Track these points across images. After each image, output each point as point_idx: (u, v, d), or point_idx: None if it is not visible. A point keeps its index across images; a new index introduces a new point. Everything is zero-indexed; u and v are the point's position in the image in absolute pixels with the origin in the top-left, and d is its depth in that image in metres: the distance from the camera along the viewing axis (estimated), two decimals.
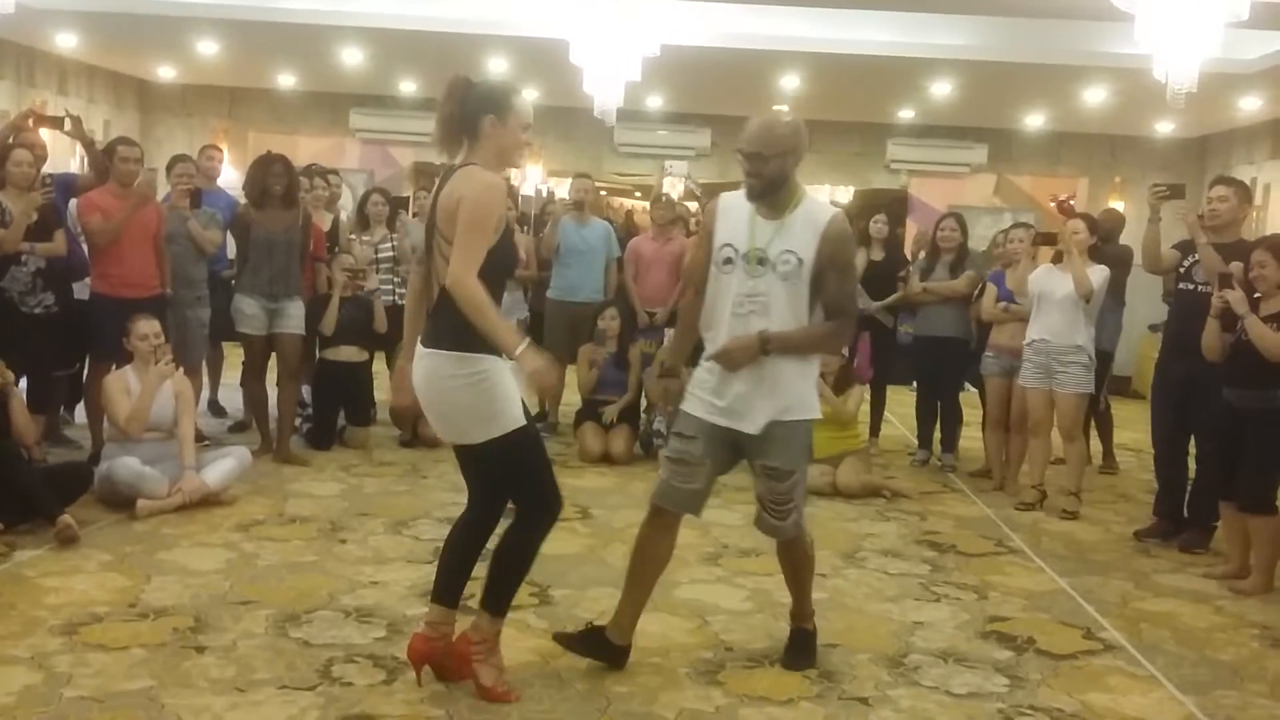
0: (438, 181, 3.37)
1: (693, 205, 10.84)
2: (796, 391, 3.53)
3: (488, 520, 3.47)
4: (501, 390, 3.23)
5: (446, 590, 3.47)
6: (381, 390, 7.70)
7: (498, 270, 3.27)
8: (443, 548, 3.53)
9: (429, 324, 3.32)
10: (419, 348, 3.33)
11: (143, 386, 5.44)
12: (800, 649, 3.86)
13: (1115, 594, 4.88)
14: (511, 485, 3.40)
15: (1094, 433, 7.41)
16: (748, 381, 3.49)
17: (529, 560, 3.44)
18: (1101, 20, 7.44)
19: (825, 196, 12.69)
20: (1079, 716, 3.54)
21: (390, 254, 7.65)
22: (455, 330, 3.19)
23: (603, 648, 3.65)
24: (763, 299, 3.47)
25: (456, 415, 3.29)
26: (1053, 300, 6.17)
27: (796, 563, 3.83)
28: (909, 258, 8.19)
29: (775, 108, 9.46)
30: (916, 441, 7.66)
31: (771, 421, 3.49)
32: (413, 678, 3.49)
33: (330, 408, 7.12)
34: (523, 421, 3.27)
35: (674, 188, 12.52)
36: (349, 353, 7.12)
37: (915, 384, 7.76)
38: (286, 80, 12.31)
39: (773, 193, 3.51)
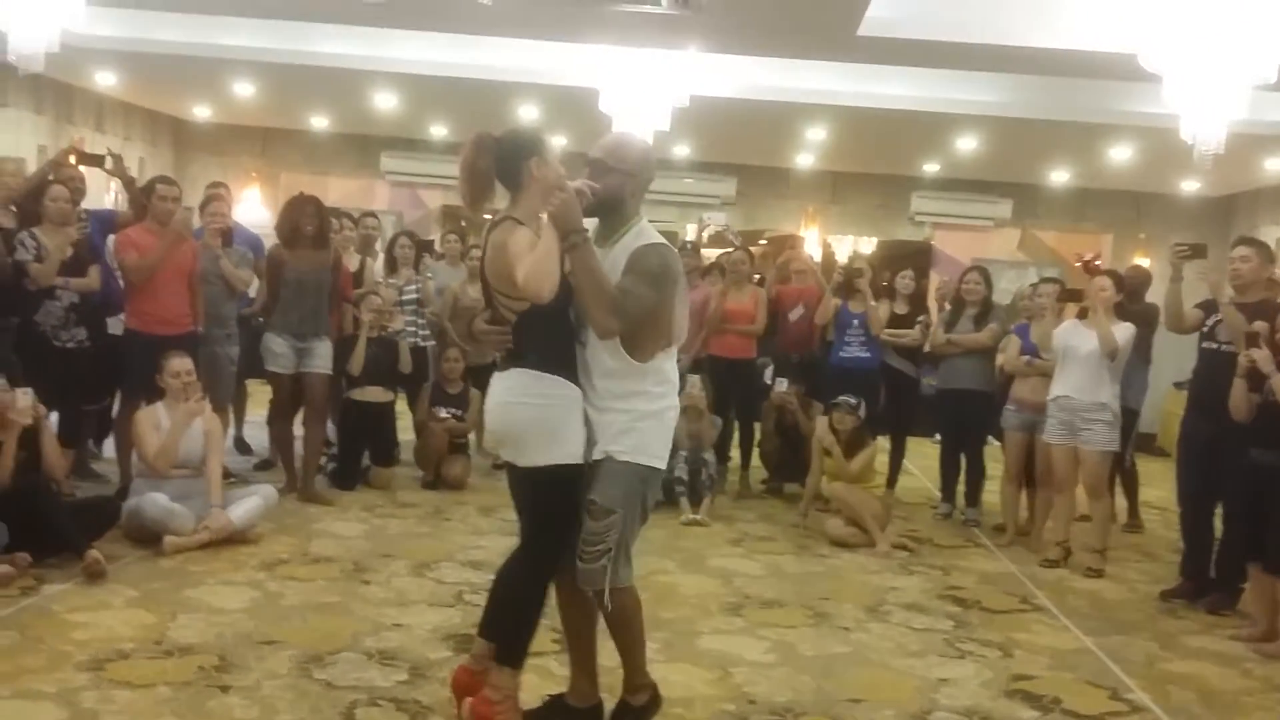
0: (485, 233, 3.42)
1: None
2: (640, 433, 3.27)
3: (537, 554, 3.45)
4: (567, 416, 3.26)
5: (493, 625, 3.48)
6: (405, 431, 7.78)
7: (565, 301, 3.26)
8: (493, 582, 3.54)
9: (507, 355, 3.36)
10: (498, 374, 3.39)
11: (172, 423, 5.50)
12: None
13: (1141, 654, 4.83)
14: (537, 517, 3.39)
15: (1119, 490, 7.38)
16: (590, 416, 3.30)
17: (535, 606, 3.38)
18: (1128, 80, 7.48)
19: (847, 246, 12.77)
20: None
21: (415, 296, 7.72)
22: (537, 353, 3.27)
23: (565, 715, 3.53)
24: (586, 330, 3.30)
25: (522, 429, 3.31)
26: (1077, 356, 6.17)
27: (611, 622, 3.39)
28: (930, 309, 8.20)
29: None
30: (940, 494, 7.63)
31: (606, 455, 3.27)
32: None
33: (356, 447, 7.16)
34: (579, 460, 3.27)
35: (706, 235, 12.62)
36: (374, 393, 7.18)
37: (939, 436, 7.75)
38: (319, 122, 12.48)
39: (605, 211, 3.32)
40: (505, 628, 3.42)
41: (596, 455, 3.28)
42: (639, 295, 3.18)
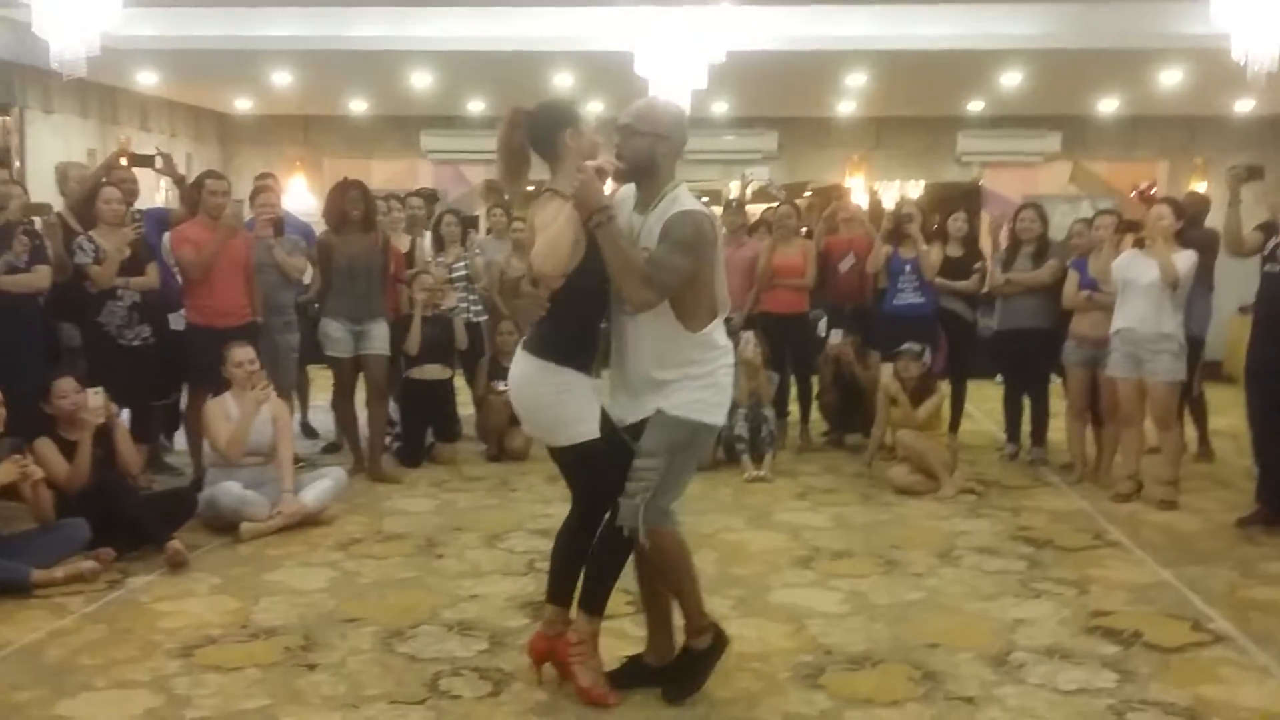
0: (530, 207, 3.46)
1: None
2: (688, 391, 3.31)
3: (587, 522, 3.51)
4: (577, 403, 3.33)
5: (557, 590, 3.57)
6: (465, 406, 7.86)
7: (591, 281, 3.30)
8: (552, 549, 3.63)
9: (533, 332, 3.43)
10: (519, 350, 3.46)
11: (241, 412, 5.60)
12: (680, 674, 3.55)
13: (1222, 584, 4.77)
14: (577, 489, 3.53)
15: (1188, 420, 7.26)
16: (639, 385, 3.39)
17: (616, 560, 3.46)
18: (1175, 1, 7.30)
19: (894, 191, 12.61)
20: (1193, 710, 3.47)
21: (464, 272, 7.76)
22: (549, 341, 3.34)
23: (644, 674, 3.59)
24: None
25: (539, 415, 3.43)
26: (1138, 287, 6.06)
27: (654, 567, 3.48)
28: (984, 251, 8.09)
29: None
30: (1005, 436, 7.57)
31: (658, 410, 3.33)
32: (519, 689, 3.57)
33: (419, 425, 7.25)
34: (595, 435, 3.34)
35: (750, 191, 12.53)
36: (433, 370, 7.25)
37: (1001, 377, 7.67)
38: (358, 106, 12.55)
39: (638, 176, 3.34)
40: (590, 575, 3.50)
41: (647, 412, 3.34)
42: (672, 265, 3.20)
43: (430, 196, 8.54)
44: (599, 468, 3.38)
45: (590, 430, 3.34)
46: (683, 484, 3.44)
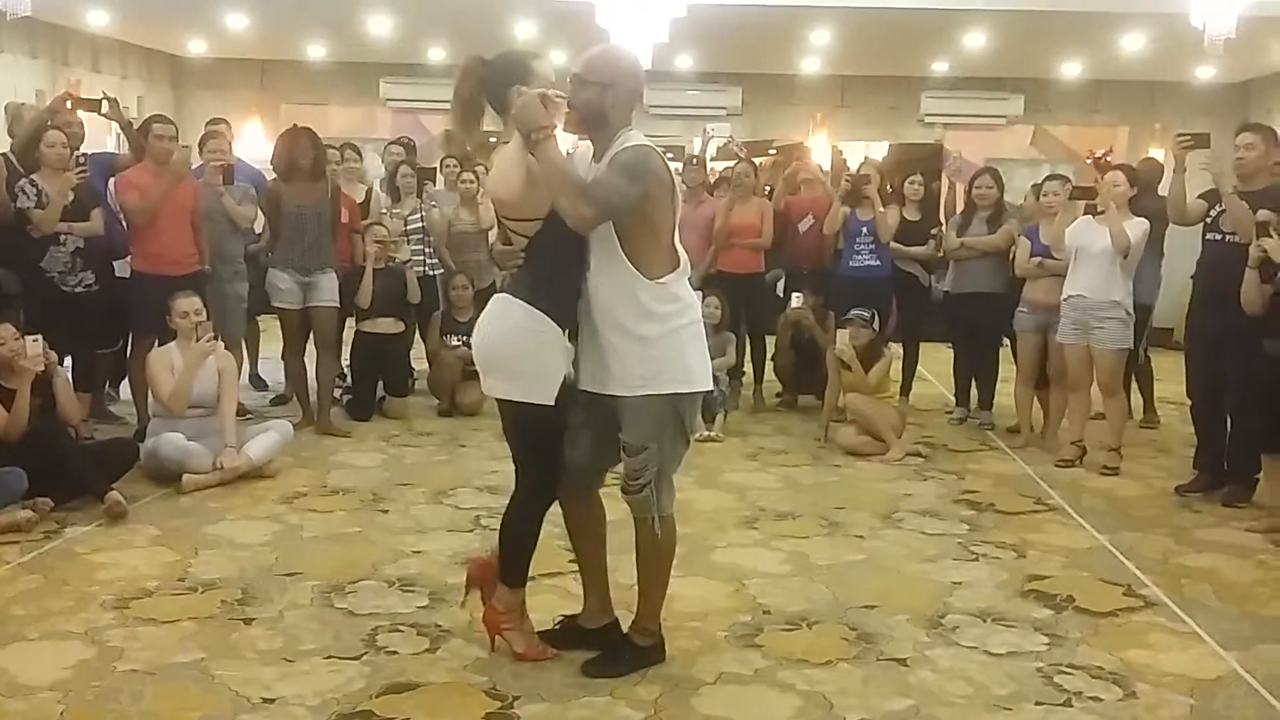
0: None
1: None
2: (654, 361, 3.20)
3: (534, 493, 3.46)
4: (547, 359, 3.24)
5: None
6: (418, 360, 7.81)
7: (569, 232, 3.20)
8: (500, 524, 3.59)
9: (516, 277, 3.33)
10: (498, 296, 3.37)
11: (185, 363, 5.53)
12: (608, 653, 3.47)
13: (1156, 550, 4.85)
14: (517, 452, 3.43)
15: (1135, 386, 7.35)
16: (601, 348, 3.26)
17: (527, 534, 3.44)
18: None
19: (859, 152, 12.59)
20: (1119, 674, 3.53)
21: (419, 225, 7.68)
22: (539, 289, 3.24)
23: (579, 636, 3.57)
24: (590, 253, 3.25)
25: (496, 358, 3.31)
26: (1090, 254, 6.10)
27: (642, 548, 3.40)
28: (941, 219, 8.11)
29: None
30: (953, 399, 7.63)
31: (625, 395, 3.23)
32: (456, 645, 3.58)
33: (369, 379, 7.20)
34: (550, 401, 3.24)
35: (712, 148, 12.45)
36: (385, 324, 7.18)
37: (951, 341, 7.72)
38: (316, 51, 12.34)
39: (589, 126, 3.25)
40: (503, 550, 3.48)
41: (615, 391, 3.23)
42: (613, 184, 3.11)
43: (409, 146, 8.39)
44: (545, 434, 3.31)
45: (548, 393, 3.24)
46: (680, 454, 3.37)
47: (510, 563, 3.47)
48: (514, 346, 3.27)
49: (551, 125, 3.12)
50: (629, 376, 3.22)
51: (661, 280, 3.21)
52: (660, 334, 3.21)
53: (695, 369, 3.28)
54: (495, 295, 3.41)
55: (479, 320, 3.42)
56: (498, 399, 3.38)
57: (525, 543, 3.46)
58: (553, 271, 3.25)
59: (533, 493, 3.43)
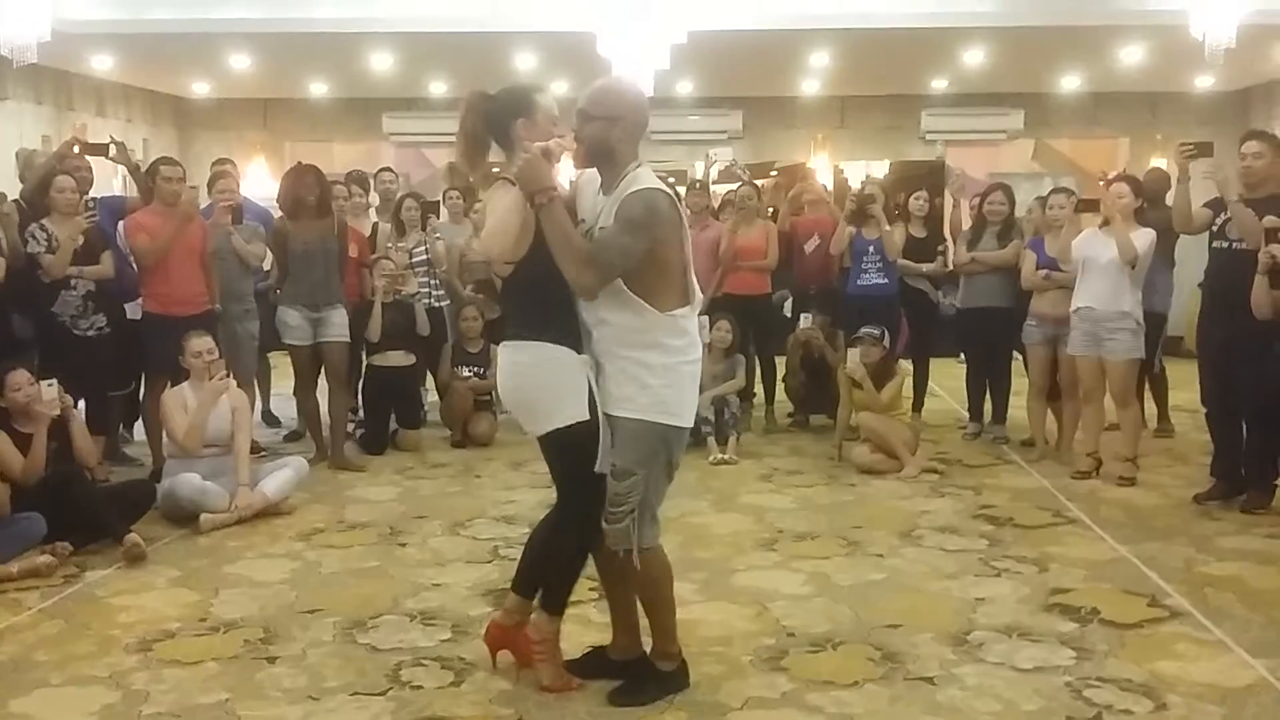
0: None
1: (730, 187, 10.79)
2: (655, 390, 3.20)
3: (570, 517, 3.43)
4: (568, 380, 3.24)
5: (524, 583, 3.53)
6: (430, 392, 7.81)
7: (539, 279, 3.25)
8: (528, 538, 3.60)
9: (506, 325, 3.41)
10: (501, 347, 3.43)
11: (199, 403, 5.54)
12: (634, 680, 3.47)
13: (1178, 559, 4.83)
14: (563, 479, 3.41)
15: (1149, 395, 7.33)
16: (605, 371, 3.26)
17: (570, 561, 3.44)
18: None
19: (860, 172, 12.62)
20: (1148, 685, 3.51)
21: (425, 257, 7.70)
22: (528, 323, 3.29)
23: (604, 666, 3.56)
24: None
25: (522, 401, 3.36)
26: (1097, 266, 6.09)
27: (635, 584, 3.40)
28: (947, 235, 8.12)
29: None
30: (966, 414, 7.62)
31: (620, 416, 3.22)
32: (480, 678, 3.56)
33: (381, 412, 7.21)
34: (585, 415, 3.24)
35: (714, 171, 12.50)
36: (396, 357, 7.20)
37: (964, 356, 7.71)
38: (318, 89, 12.40)
39: (596, 160, 3.26)
40: (548, 578, 3.47)
41: (612, 410, 3.24)
42: (619, 245, 3.12)
43: (360, 180, 8.36)
44: (588, 452, 3.26)
45: (580, 411, 3.24)
46: (663, 491, 3.35)
47: (556, 589, 3.47)
48: (536, 383, 3.28)
49: (555, 187, 3.14)
50: (625, 400, 3.23)
51: (673, 314, 3.22)
52: (665, 365, 3.22)
53: (687, 406, 3.30)
54: (502, 345, 3.44)
55: (498, 373, 3.44)
56: (539, 436, 3.36)
57: (571, 571, 3.46)
58: (533, 304, 3.27)
59: (580, 520, 3.36)
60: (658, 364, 3.21)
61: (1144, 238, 6.05)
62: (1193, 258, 7.74)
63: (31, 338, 6.03)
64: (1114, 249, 6.00)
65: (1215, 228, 5.65)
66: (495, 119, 3.31)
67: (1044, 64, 10.92)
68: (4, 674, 3.65)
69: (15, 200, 6.32)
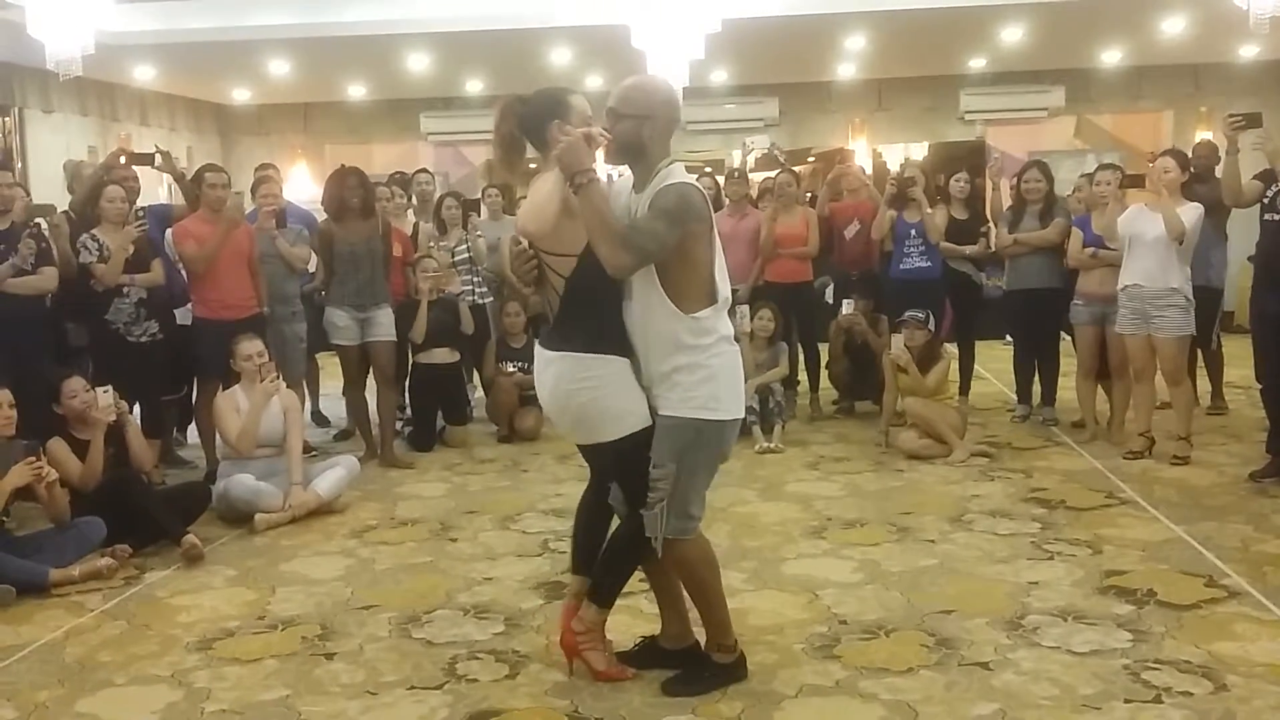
0: None
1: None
2: (684, 387, 3.20)
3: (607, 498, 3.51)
4: (621, 389, 3.25)
5: (583, 562, 3.58)
6: (475, 388, 7.86)
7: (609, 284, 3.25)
8: (574, 524, 3.65)
9: (553, 329, 3.37)
10: (543, 352, 3.37)
11: (251, 404, 5.62)
12: (689, 671, 3.49)
13: (1235, 538, 4.76)
14: (628, 483, 3.36)
15: (1201, 372, 7.23)
16: (650, 371, 3.27)
17: (632, 561, 3.48)
18: None
19: (899, 154, 12.52)
20: (1208, 667, 3.47)
21: (467, 255, 7.75)
22: (583, 332, 3.26)
23: (658, 657, 3.58)
24: (628, 284, 3.25)
25: (582, 416, 3.31)
26: (1144, 242, 6.01)
27: (674, 571, 3.44)
28: (987, 214, 8.05)
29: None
30: (1015, 397, 7.55)
31: (658, 414, 3.24)
32: (535, 670, 3.60)
33: (428, 410, 7.27)
34: (647, 421, 3.26)
35: (751, 159, 12.46)
36: (441, 354, 7.26)
37: (1010, 338, 7.64)
38: (357, 91, 12.51)
39: (627, 158, 3.27)
40: (606, 578, 3.49)
41: (657, 407, 3.27)
42: (652, 230, 3.12)
43: (401, 182, 8.43)
44: (643, 458, 3.25)
45: (640, 419, 3.25)
46: (701, 486, 3.33)
47: (608, 583, 3.49)
48: (593, 397, 3.25)
49: (594, 168, 3.15)
50: (657, 398, 3.25)
51: (696, 315, 3.21)
52: (688, 364, 3.21)
53: (724, 398, 3.25)
54: (544, 354, 3.35)
55: (544, 383, 3.35)
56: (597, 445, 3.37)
57: (627, 569, 3.50)
58: (601, 309, 3.26)
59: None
60: (681, 363, 3.21)
61: (1191, 212, 5.95)
62: (1246, 232, 7.64)
63: (86, 346, 6.16)
64: (1161, 225, 5.92)
65: (1266, 200, 5.55)
66: (530, 122, 3.34)
67: (1084, 38, 10.76)
68: (70, 675, 3.73)
69: (65, 211, 6.45)
